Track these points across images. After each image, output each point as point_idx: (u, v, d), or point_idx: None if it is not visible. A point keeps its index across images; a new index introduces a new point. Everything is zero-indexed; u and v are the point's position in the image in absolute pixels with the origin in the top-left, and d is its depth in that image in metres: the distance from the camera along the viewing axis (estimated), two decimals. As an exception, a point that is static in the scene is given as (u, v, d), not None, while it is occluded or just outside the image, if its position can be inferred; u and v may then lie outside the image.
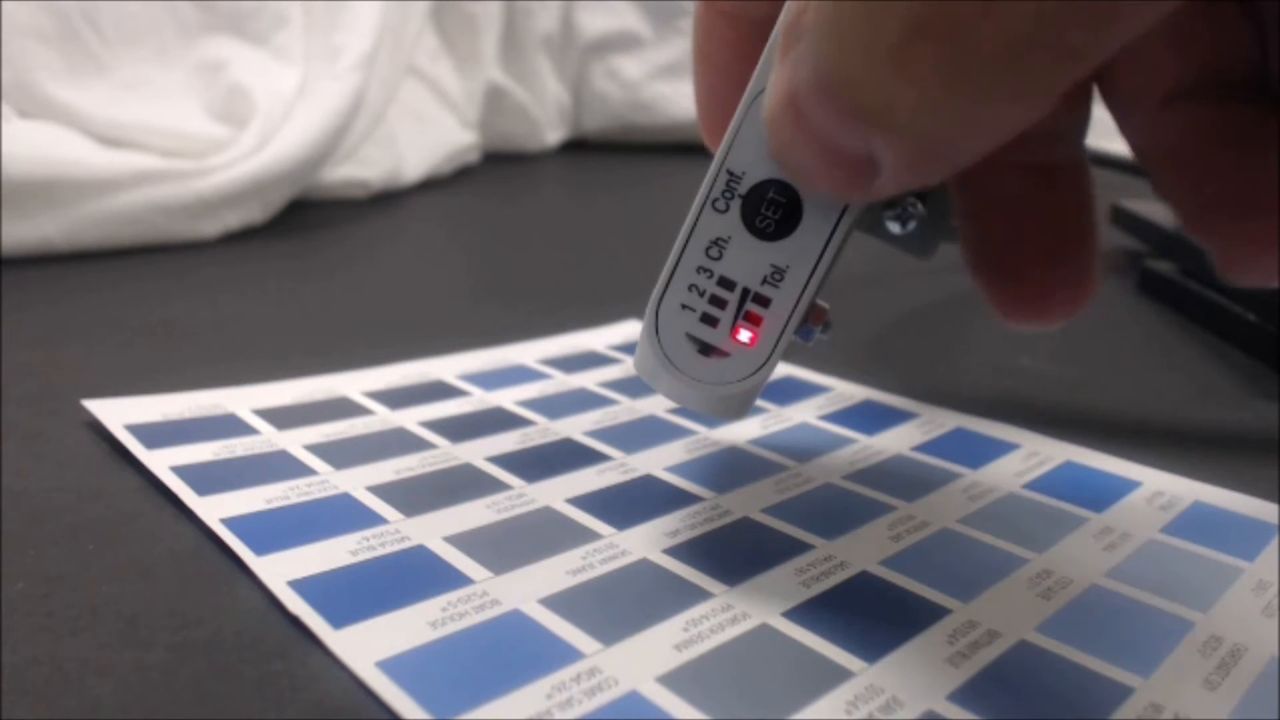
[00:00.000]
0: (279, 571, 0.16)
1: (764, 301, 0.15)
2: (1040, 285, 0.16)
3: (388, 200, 0.57)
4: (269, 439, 0.22)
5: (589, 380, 0.27)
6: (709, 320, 0.15)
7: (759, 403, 0.26)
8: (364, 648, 0.14)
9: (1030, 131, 0.11)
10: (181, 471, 0.20)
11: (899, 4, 0.10)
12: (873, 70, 0.10)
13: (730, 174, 0.14)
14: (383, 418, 0.24)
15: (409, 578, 0.17)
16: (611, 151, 0.83)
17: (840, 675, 0.14)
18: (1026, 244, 0.16)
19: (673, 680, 0.14)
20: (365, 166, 0.56)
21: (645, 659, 0.14)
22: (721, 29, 0.17)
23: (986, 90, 0.10)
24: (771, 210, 0.14)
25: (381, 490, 0.20)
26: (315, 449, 0.22)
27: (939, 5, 0.10)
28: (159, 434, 0.22)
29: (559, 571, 0.17)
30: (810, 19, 0.11)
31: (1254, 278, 0.15)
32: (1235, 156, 0.14)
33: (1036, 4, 0.09)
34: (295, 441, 0.22)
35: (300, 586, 0.16)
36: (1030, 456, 0.23)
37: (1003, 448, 0.23)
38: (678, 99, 0.81)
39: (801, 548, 0.18)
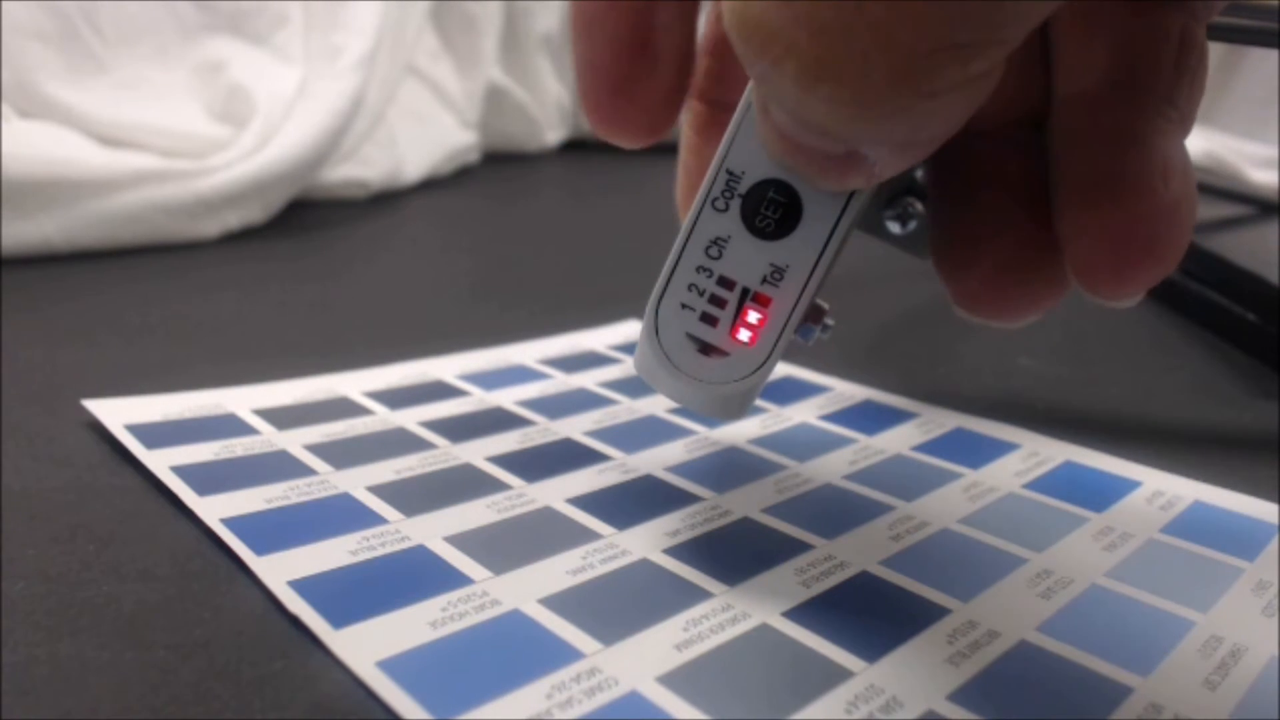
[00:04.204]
0: (279, 571, 0.16)
1: (764, 301, 0.15)
2: (991, 272, 0.15)
3: (388, 200, 0.57)
4: (269, 439, 0.22)
5: (589, 380, 0.27)
6: (709, 320, 0.15)
7: (759, 403, 0.26)
8: (364, 648, 0.14)
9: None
10: (181, 471, 0.20)
11: (799, 48, 0.10)
12: (816, 102, 0.11)
13: (730, 173, 0.14)
14: (383, 418, 0.24)
15: (409, 578, 0.17)
16: (611, 151, 0.81)
17: (840, 675, 0.14)
18: (982, 222, 0.15)
19: (673, 680, 0.14)
20: (365, 166, 0.56)
21: (645, 659, 0.14)
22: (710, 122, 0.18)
23: (899, 106, 0.10)
24: (771, 210, 0.14)
25: (381, 490, 0.20)
26: (315, 449, 0.22)
27: (825, 46, 0.10)
28: (159, 434, 0.22)
29: (559, 571, 0.17)
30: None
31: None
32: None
33: (915, 12, 0.09)
34: (295, 441, 0.22)
35: (300, 586, 0.16)
36: (1030, 456, 0.23)
37: (1003, 448, 0.23)
38: (677, 99, 0.81)
39: (801, 548, 0.18)
